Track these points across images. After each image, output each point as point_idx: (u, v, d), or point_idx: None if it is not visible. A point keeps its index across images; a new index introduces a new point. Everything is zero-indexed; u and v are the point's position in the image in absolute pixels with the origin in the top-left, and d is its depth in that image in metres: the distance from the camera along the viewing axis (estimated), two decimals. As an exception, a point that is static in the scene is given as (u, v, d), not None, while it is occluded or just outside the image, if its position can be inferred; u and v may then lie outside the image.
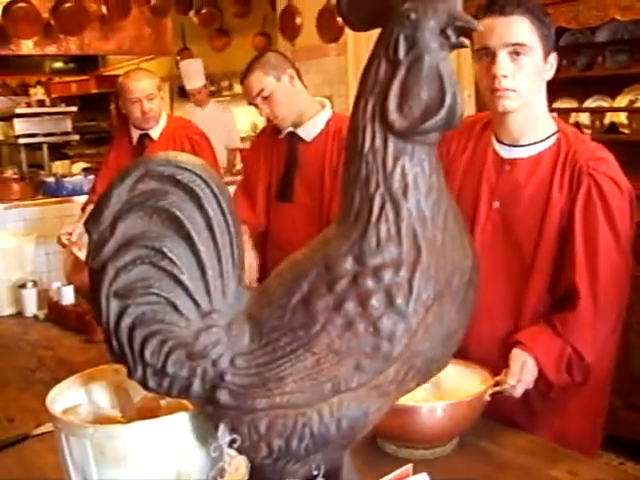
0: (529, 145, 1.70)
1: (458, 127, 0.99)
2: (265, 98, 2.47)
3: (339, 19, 5.16)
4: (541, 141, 1.69)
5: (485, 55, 1.62)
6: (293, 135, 2.59)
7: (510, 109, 1.64)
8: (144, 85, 3.20)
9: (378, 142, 0.96)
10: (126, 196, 1.01)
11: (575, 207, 1.62)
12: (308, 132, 2.56)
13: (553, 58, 1.67)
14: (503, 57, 1.59)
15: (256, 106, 2.54)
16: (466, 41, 0.98)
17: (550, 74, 1.68)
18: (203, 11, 7.45)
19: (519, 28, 1.59)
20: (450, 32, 0.95)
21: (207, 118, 5.52)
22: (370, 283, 0.94)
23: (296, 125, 2.56)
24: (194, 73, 5.79)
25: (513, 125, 1.69)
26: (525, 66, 1.61)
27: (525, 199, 1.69)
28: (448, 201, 0.99)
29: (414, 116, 0.94)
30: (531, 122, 1.69)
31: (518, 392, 1.58)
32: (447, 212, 0.98)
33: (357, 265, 0.95)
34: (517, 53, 1.59)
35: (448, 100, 0.93)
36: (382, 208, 0.95)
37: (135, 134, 3.36)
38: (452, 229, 0.98)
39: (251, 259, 2.55)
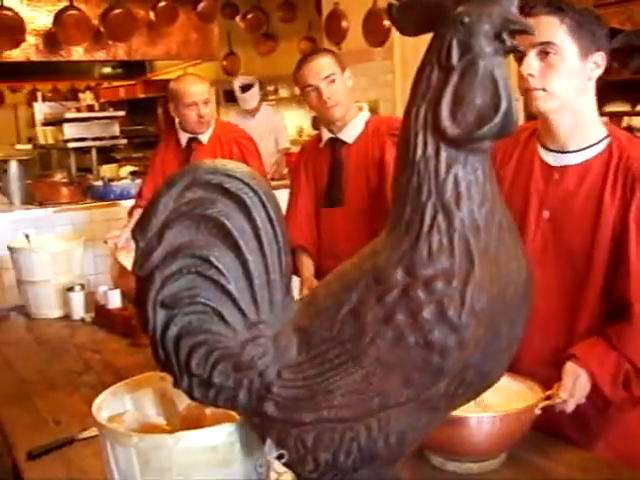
0: (578, 151, 1.64)
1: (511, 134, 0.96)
2: (332, 82, 2.48)
3: (385, 22, 5.14)
4: (590, 146, 1.63)
5: (517, 57, 1.59)
6: (335, 140, 2.61)
7: (544, 110, 1.60)
8: (200, 89, 3.22)
9: (430, 150, 0.93)
10: (173, 204, 1.00)
11: (629, 215, 1.56)
12: (349, 135, 2.58)
13: (600, 57, 1.60)
14: (530, 57, 1.56)
15: (310, 91, 2.51)
16: (520, 47, 0.95)
17: (597, 73, 1.61)
18: (249, 16, 7.49)
19: (546, 27, 1.55)
20: (505, 36, 0.92)
21: (259, 124, 5.54)
22: (421, 295, 0.91)
23: (336, 130, 2.59)
24: (251, 97, 5.81)
25: (559, 129, 1.64)
26: (555, 65, 1.56)
27: (576, 208, 1.63)
28: (502, 211, 0.96)
29: (467, 123, 0.92)
30: (578, 126, 1.63)
31: (570, 407, 1.53)
32: (501, 222, 0.95)
33: (408, 276, 0.92)
34: (546, 52, 1.55)
35: (503, 106, 0.91)
36: (434, 218, 0.93)
37: (184, 138, 3.37)
38: (506, 239, 0.95)
39: (313, 280, 2.56)
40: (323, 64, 2.48)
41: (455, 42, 0.92)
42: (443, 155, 0.93)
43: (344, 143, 2.59)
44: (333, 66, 2.48)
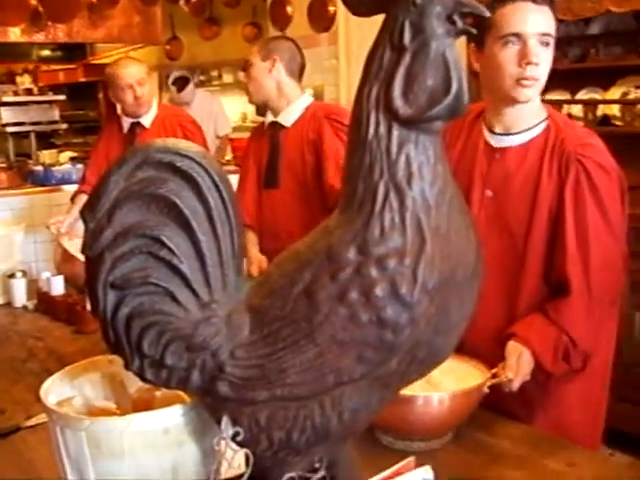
0: (519, 133, 1.70)
1: (462, 115, 0.97)
2: (247, 69, 2.69)
3: (330, 8, 5.14)
4: (530, 128, 1.69)
5: (514, 42, 1.61)
6: (274, 124, 2.73)
7: (532, 98, 1.66)
8: (134, 71, 3.21)
9: (382, 130, 0.94)
10: (124, 184, 0.98)
11: (565, 194, 1.62)
12: (287, 118, 2.70)
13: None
14: (534, 45, 1.60)
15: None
16: (471, 29, 0.96)
17: None
18: (193, 0, 7.38)
19: (549, 18, 1.61)
20: (456, 18, 0.93)
21: (195, 112, 5.49)
22: (374, 273, 0.92)
23: (276, 114, 2.72)
24: (186, 94, 5.76)
25: (510, 114, 1.69)
26: (549, 57, 1.63)
27: (515, 187, 1.69)
28: (453, 190, 0.98)
29: (419, 103, 0.93)
30: (525, 111, 1.69)
31: (515, 385, 1.57)
32: (452, 201, 0.96)
33: (360, 255, 0.93)
34: (546, 43, 1.61)
35: (454, 87, 0.92)
36: (386, 197, 0.93)
37: (126, 123, 3.33)
38: (457, 219, 0.96)
39: (260, 256, 2.67)
40: (250, 53, 2.71)
41: (407, 23, 0.93)
42: (395, 135, 0.94)
43: (283, 127, 2.70)
44: (254, 54, 2.67)
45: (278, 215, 2.70)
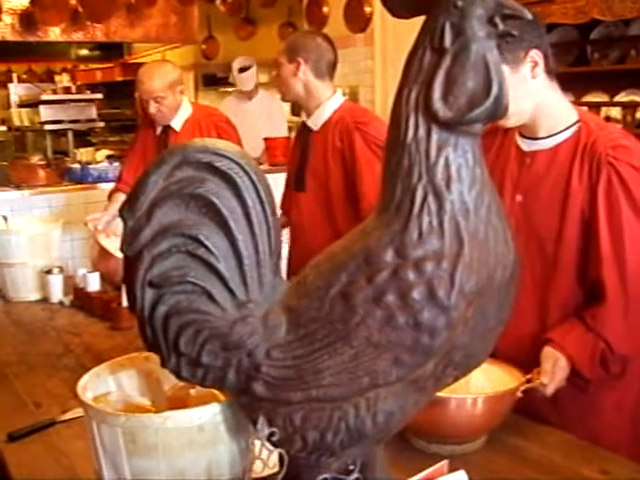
0: (548, 137, 1.69)
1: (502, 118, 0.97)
2: (276, 69, 2.67)
3: (367, 9, 5.13)
4: (560, 132, 1.67)
5: None
6: (305, 126, 2.73)
7: (508, 126, 1.67)
8: (151, 87, 3.14)
9: (421, 132, 0.94)
10: (163, 183, 0.99)
11: (597, 198, 1.59)
12: (316, 122, 2.67)
13: (535, 54, 1.60)
14: None
15: None
16: (513, 31, 0.96)
17: (539, 69, 1.62)
18: (229, 0, 7.42)
19: None
20: (497, 20, 0.92)
21: (255, 109, 5.47)
22: (411, 275, 0.91)
23: (307, 117, 2.71)
24: (247, 78, 5.74)
25: (531, 121, 1.69)
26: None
27: (545, 191, 1.68)
28: (491, 193, 0.97)
29: (459, 106, 0.92)
30: (546, 116, 1.67)
31: (550, 391, 1.56)
32: (490, 204, 0.96)
33: (398, 257, 0.93)
34: None
35: (495, 90, 0.91)
36: (424, 200, 0.93)
37: (158, 126, 3.35)
38: (495, 222, 0.96)
39: None
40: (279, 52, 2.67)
41: (448, 25, 0.92)
42: (434, 137, 0.94)
43: (311, 130, 2.68)
44: (281, 54, 2.63)
45: (303, 218, 2.70)
